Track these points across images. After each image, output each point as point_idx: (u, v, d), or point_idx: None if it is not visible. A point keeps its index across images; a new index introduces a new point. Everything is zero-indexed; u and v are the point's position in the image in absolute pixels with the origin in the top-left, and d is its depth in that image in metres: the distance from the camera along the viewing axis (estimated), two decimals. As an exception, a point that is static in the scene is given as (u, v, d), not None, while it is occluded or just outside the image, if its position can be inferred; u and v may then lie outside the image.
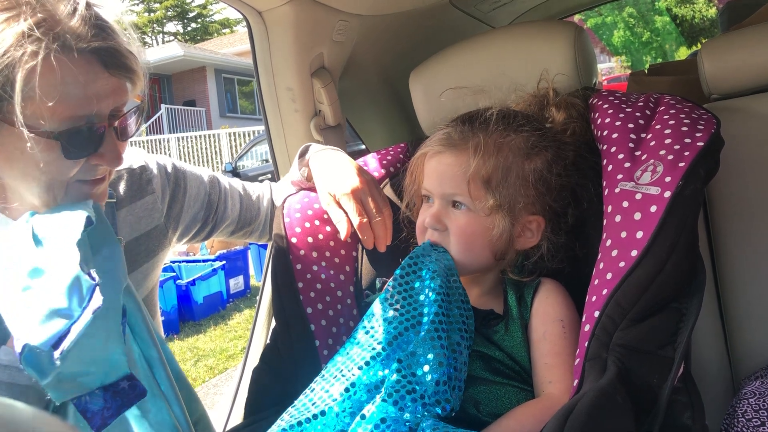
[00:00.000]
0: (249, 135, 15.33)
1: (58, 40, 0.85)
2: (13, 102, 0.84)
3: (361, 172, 1.30)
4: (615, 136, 1.06)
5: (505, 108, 1.14)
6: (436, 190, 1.10)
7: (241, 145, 15.44)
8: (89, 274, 0.83)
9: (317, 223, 1.31)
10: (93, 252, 0.89)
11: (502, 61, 1.35)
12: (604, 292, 0.90)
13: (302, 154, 1.38)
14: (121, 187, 1.20)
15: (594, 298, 0.92)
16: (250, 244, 6.52)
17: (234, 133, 16.01)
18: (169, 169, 1.30)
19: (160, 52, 21.66)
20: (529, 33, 1.40)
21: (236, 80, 23.00)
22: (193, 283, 5.40)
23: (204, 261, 5.94)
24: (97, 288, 0.82)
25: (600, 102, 1.16)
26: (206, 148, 16.33)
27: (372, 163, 1.43)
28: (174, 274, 5.54)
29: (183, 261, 6.07)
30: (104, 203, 1.07)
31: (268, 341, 1.29)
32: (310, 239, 1.28)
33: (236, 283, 6.06)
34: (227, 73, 22.49)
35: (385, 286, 1.07)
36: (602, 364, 0.85)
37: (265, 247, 6.33)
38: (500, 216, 1.05)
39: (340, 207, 1.26)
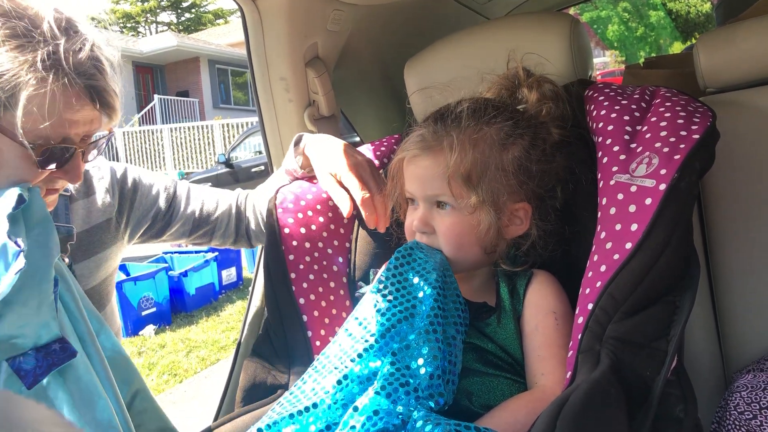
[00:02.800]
0: (242, 126, 15.29)
1: (64, 73, 1.00)
2: (13, 114, 0.98)
3: (359, 152, 1.31)
4: (610, 128, 1.05)
5: (476, 100, 1.12)
6: (419, 193, 1.10)
7: (234, 136, 15.40)
8: (16, 243, 0.92)
9: (310, 213, 1.30)
10: (27, 229, 0.97)
11: (498, 52, 1.34)
12: (598, 284, 0.90)
13: (296, 143, 1.38)
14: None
15: (588, 291, 0.92)
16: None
17: (227, 125, 15.97)
18: (121, 172, 1.39)
19: (154, 42, 21.57)
20: (525, 24, 1.39)
21: (230, 71, 22.93)
22: (185, 274, 5.38)
23: (197, 252, 5.93)
24: (22, 253, 0.91)
25: (596, 94, 1.15)
26: (199, 139, 16.29)
27: (366, 153, 1.42)
28: (166, 265, 5.53)
29: (176, 252, 6.06)
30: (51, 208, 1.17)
31: (260, 332, 1.29)
32: (302, 230, 1.27)
33: (229, 275, 6.04)
34: (221, 63, 22.42)
35: (378, 276, 1.06)
36: (595, 357, 0.85)
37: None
38: (485, 211, 1.03)
39: (342, 186, 1.26)
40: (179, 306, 5.41)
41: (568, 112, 1.17)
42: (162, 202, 1.41)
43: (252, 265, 6.53)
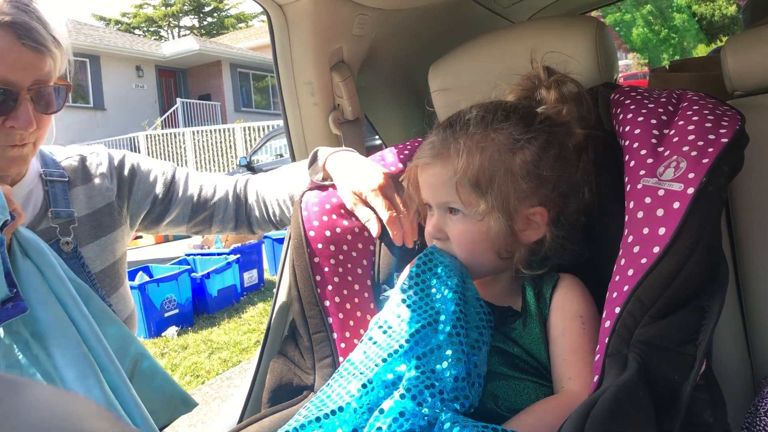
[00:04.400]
0: (263, 129, 15.38)
1: None
2: None
3: (382, 169, 1.30)
4: (637, 131, 1.05)
5: (486, 105, 1.11)
6: (432, 200, 1.10)
7: (255, 139, 15.49)
8: None
9: (334, 217, 1.31)
10: None
11: (522, 55, 1.34)
12: (625, 288, 0.90)
13: (312, 160, 1.39)
14: (73, 170, 1.35)
15: (615, 295, 0.92)
16: (265, 237, 6.55)
17: (248, 128, 16.07)
18: (119, 158, 1.43)
19: (176, 46, 21.80)
20: (550, 28, 1.39)
21: (251, 75, 23.10)
22: (207, 276, 5.42)
23: (219, 254, 5.97)
24: None
25: (622, 98, 1.15)
26: (221, 143, 16.40)
27: (389, 157, 1.42)
28: (189, 267, 5.57)
29: (198, 254, 6.11)
30: (24, 167, 1.23)
31: (285, 333, 1.30)
32: (327, 233, 1.28)
33: (250, 277, 6.08)
34: (242, 67, 22.60)
35: (400, 282, 1.07)
36: (623, 361, 0.85)
37: (280, 241, 6.36)
38: (494, 217, 1.03)
39: (367, 205, 1.26)
40: (201, 307, 5.45)
41: (591, 112, 1.16)
42: (160, 187, 1.44)
43: (273, 267, 6.57)
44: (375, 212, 1.26)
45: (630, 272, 0.90)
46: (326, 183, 1.35)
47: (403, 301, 1.02)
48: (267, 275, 6.52)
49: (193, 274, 5.42)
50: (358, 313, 1.25)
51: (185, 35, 29.35)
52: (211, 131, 16.68)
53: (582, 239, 1.09)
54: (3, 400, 0.34)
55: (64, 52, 1.19)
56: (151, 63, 21.04)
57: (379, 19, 1.69)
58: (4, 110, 1.10)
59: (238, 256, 5.86)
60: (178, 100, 20.56)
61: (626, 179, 1.02)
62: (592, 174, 1.11)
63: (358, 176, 1.29)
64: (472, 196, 1.03)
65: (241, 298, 5.86)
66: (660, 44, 17.13)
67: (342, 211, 1.32)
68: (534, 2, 2.39)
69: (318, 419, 0.92)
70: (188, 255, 6.12)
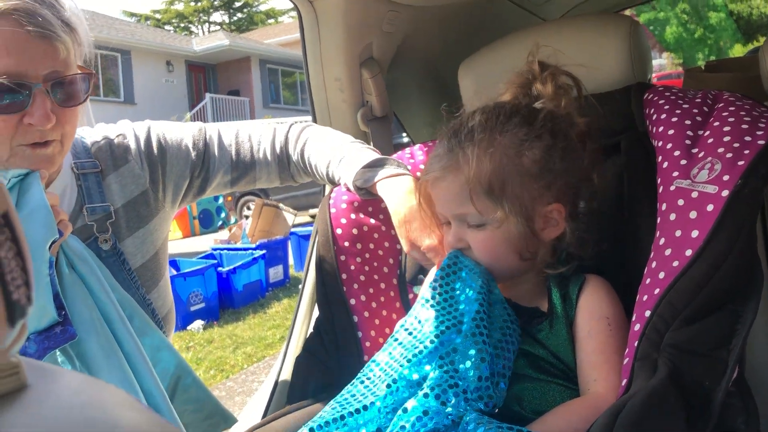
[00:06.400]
0: (291, 126, 15.42)
1: None
2: None
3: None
4: (671, 132, 1.03)
5: (487, 109, 1.09)
6: (447, 213, 1.09)
7: (283, 135, 15.55)
8: None
9: (362, 215, 1.31)
10: (18, 209, 0.97)
11: (556, 54, 1.33)
12: (656, 291, 0.88)
13: (369, 165, 1.27)
14: (103, 157, 1.27)
15: (645, 298, 0.91)
16: (292, 233, 6.59)
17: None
18: (144, 137, 1.32)
19: (206, 41, 21.99)
20: (584, 26, 1.37)
21: (280, 71, 23.21)
22: (234, 271, 5.47)
23: (245, 249, 6.02)
24: None
25: (656, 98, 1.13)
26: (249, 138, 16.49)
27: (419, 155, 1.42)
28: (215, 261, 5.63)
29: (225, 249, 6.17)
30: (52, 169, 1.14)
31: (310, 330, 1.30)
32: (354, 231, 1.28)
33: (275, 273, 6.12)
34: (271, 63, 22.72)
35: (425, 285, 1.06)
36: (653, 365, 0.83)
37: (306, 237, 6.39)
38: (513, 222, 1.02)
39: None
40: (227, 302, 5.50)
41: (583, 99, 1.14)
42: (194, 157, 1.35)
43: (298, 263, 6.61)
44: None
45: (661, 275, 0.89)
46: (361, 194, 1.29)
47: (428, 303, 1.02)
48: (292, 271, 6.55)
49: (219, 269, 5.47)
50: (384, 312, 1.25)
51: (215, 31, 29.61)
52: (239, 127, 16.79)
53: (605, 234, 1.08)
54: (34, 386, 0.35)
55: (78, 37, 1.10)
56: (181, 58, 21.24)
57: (410, 15, 1.68)
58: (18, 106, 1.02)
59: (264, 251, 5.90)
60: (207, 95, 20.74)
61: (659, 180, 1.01)
62: (598, 159, 1.10)
63: (412, 211, 1.20)
64: (487, 204, 1.02)
65: (267, 293, 5.90)
66: (695, 44, 16.84)
67: (369, 209, 1.32)
68: (566, 0, 2.36)
69: (342, 417, 0.92)
70: (215, 249, 6.18)
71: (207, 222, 10.72)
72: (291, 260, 6.65)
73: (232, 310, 5.46)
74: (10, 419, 0.32)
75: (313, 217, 9.37)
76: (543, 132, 1.04)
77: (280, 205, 7.25)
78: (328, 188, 1.69)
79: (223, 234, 7.87)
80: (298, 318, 1.64)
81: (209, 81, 22.53)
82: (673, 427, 0.75)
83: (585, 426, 0.82)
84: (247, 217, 8.85)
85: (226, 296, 5.50)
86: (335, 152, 1.34)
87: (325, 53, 1.58)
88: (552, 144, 1.03)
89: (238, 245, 6.39)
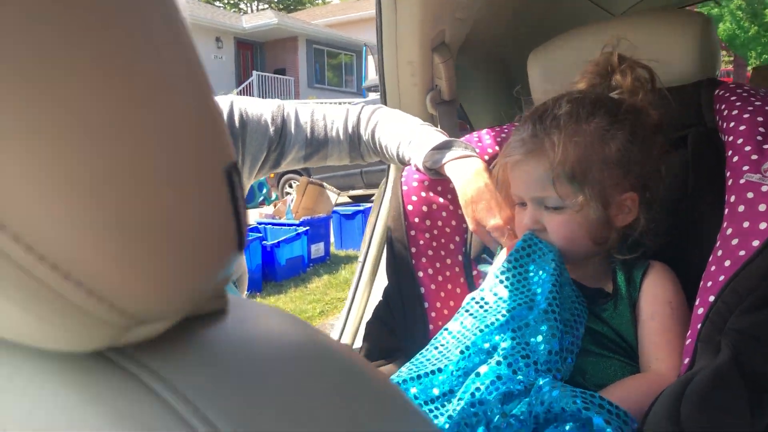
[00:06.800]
0: (335, 107, 15.47)
1: None
2: None
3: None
4: (742, 128, 1.07)
5: (574, 98, 1.13)
6: (526, 196, 1.13)
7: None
8: None
9: (431, 194, 1.37)
10: None
11: (623, 48, 1.36)
12: (721, 278, 0.92)
13: (439, 146, 1.34)
14: None
15: (709, 284, 0.95)
16: (334, 212, 6.68)
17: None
18: (227, 109, 1.39)
19: (255, 19, 22.12)
20: (654, 22, 1.40)
21: (326, 52, 23.25)
22: (277, 245, 5.57)
23: (289, 225, 6.13)
24: None
25: (726, 94, 1.16)
26: (293, 117, 16.58)
27: (486, 139, 1.47)
28: (260, 235, 5.74)
29: (269, 223, 6.28)
30: None
31: (371, 299, 1.37)
32: (424, 208, 1.35)
33: (317, 249, 6.22)
34: (318, 44, 22.78)
35: (497, 265, 1.12)
36: (716, 346, 0.87)
37: (348, 217, 6.48)
38: (592, 207, 1.06)
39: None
40: (270, 275, 5.61)
41: (658, 94, 1.17)
42: (272, 133, 1.42)
43: (338, 242, 6.70)
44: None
45: (727, 263, 0.93)
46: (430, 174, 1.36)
47: (501, 281, 1.08)
48: (333, 249, 6.64)
49: (263, 242, 5.58)
50: (449, 286, 1.31)
51: (263, 9, 29.75)
52: (284, 105, 16.90)
53: (673, 224, 1.12)
54: (231, 310, 0.42)
55: None
56: (231, 35, 21.43)
57: (481, 3, 1.72)
58: None
59: (308, 228, 6.00)
60: (254, 72, 20.92)
61: (728, 174, 1.05)
62: (666, 151, 1.13)
63: (480, 193, 1.27)
64: (568, 189, 1.06)
65: (308, 269, 6.00)
66: (749, 42, 16.38)
67: (439, 188, 1.38)
68: (631, -5, 2.38)
69: (419, 377, 0.99)
70: (260, 223, 6.29)
71: (249, 197, 10.86)
72: (332, 238, 6.75)
73: (274, 283, 5.57)
74: (219, 335, 0.39)
75: (352, 198, 9.45)
76: (625, 122, 1.08)
77: (324, 184, 7.33)
78: (392, 168, 1.76)
79: (268, 209, 7.99)
80: (359, 288, 1.72)
81: (256, 58, 22.70)
82: (738, 405, 0.79)
83: (645, 399, 0.87)
84: (288, 194, 8.95)
85: (269, 269, 5.60)
86: (405, 134, 1.40)
87: (401, 37, 1.62)
88: (632, 135, 1.08)
89: (283, 221, 6.50)
